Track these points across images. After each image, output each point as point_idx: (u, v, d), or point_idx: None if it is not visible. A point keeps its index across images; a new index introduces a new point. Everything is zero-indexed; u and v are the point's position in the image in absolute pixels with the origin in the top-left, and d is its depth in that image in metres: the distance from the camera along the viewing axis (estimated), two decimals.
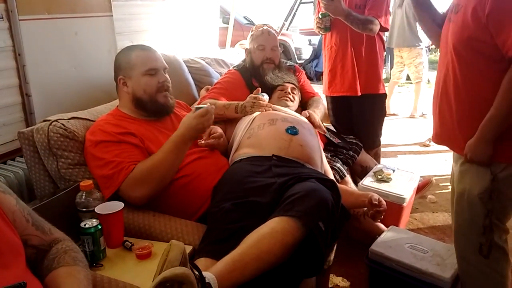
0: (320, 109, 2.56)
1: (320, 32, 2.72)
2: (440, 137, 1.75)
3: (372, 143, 2.95)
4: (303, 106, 2.63)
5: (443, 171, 3.63)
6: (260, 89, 2.28)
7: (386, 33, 3.10)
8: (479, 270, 1.68)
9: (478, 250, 1.64)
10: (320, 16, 2.65)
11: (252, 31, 2.64)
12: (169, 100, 1.88)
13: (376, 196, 1.93)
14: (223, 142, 2.05)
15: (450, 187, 3.40)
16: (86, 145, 1.73)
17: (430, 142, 4.36)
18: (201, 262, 1.36)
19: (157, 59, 1.87)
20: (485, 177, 1.57)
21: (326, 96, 2.96)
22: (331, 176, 2.18)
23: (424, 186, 3.01)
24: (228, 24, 4.66)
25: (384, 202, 1.92)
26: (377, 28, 2.57)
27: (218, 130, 2.03)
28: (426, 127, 4.74)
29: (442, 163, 3.72)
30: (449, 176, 3.54)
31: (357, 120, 2.90)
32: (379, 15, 2.59)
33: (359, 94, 2.74)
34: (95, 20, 2.42)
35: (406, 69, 5.42)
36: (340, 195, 1.63)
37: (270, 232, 1.36)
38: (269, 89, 2.46)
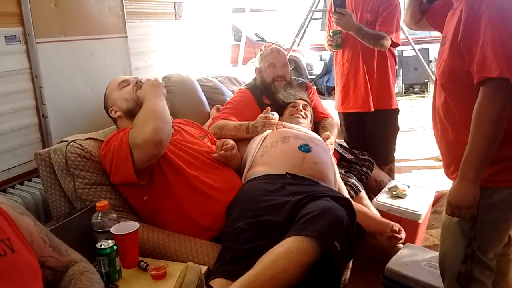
0: (334, 134, 2.57)
1: (332, 49, 2.74)
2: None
3: (386, 159, 2.93)
4: (316, 126, 2.63)
5: None
6: (269, 108, 2.29)
7: (401, 47, 3.10)
8: None
9: (456, 278, 1.55)
10: (331, 34, 2.66)
11: (261, 50, 2.66)
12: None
13: (397, 225, 1.98)
14: (236, 155, 2.05)
15: None
16: (101, 154, 1.79)
17: None
18: (216, 283, 1.36)
19: (125, 76, 2.04)
20: None
21: (339, 112, 2.96)
22: (345, 193, 2.17)
23: (437, 200, 2.97)
24: (239, 41, 4.71)
25: (403, 232, 1.94)
26: (388, 43, 2.57)
27: (230, 141, 2.04)
28: None
29: None
30: None
31: (371, 136, 2.89)
32: (391, 31, 2.60)
33: (372, 110, 2.74)
34: (110, 42, 2.46)
35: None
36: (355, 213, 1.62)
37: (285, 252, 1.36)
38: (281, 107, 2.47)
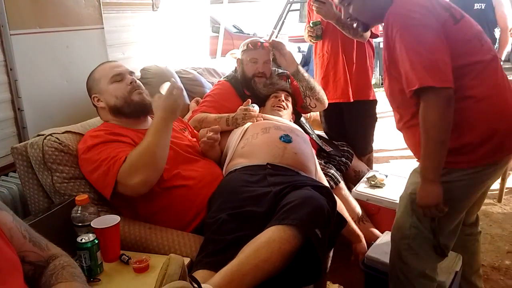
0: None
1: (312, 40, 2.74)
2: None
3: (364, 149, 2.97)
4: (296, 113, 2.65)
5: None
6: (250, 100, 2.29)
7: (378, 39, 3.13)
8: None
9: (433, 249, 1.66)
10: (311, 25, 2.66)
11: (244, 43, 2.64)
12: (145, 97, 1.88)
13: (364, 247, 2.19)
14: (216, 146, 2.06)
15: None
16: (79, 154, 1.73)
17: None
18: (199, 274, 1.36)
19: (119, 65, 1.90)
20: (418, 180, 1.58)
21: None
22: (325, 183, 2.20)
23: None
24: (218, 33, 4.68)
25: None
26: (368, 34, 2.59)
27: (215, 126, 2.05)
28: None
29: None
30: None
31: (349, 127, 2.92)
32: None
33: (352, 100, 2.76)
34: (86, 33, 2.42)
35: None
36: (335, 201, 1.65)
37: (268, 241, 1.36)
38: (262, 100, 2.47)
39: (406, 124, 1.65)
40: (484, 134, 1.50)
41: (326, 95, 2.80)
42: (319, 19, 2.61)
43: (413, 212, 1.64)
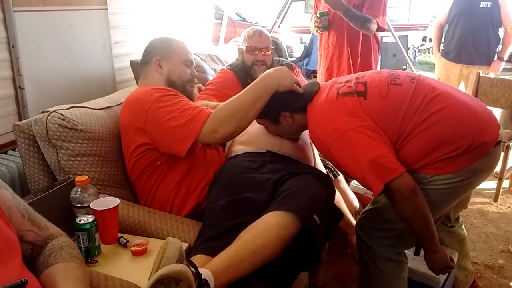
0: None
1: (318, 31, 2.72)
2: None
3: None
4: None
5: None
6: None
7: (381, 33, 3.11)
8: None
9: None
10: (318, 15, 2.64)
11: (245, 31, 2.62)
12: (194, 91, 1.96)
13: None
14: None
15: None
16: (147, 106, 1.64)
17: None
18: (197, 259, 1.36)
19: (192, 53, 1.95)
20: None
21: None
22: (324, 171, 2.20)
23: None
24: (221, 20, 4.65)
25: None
26: (374, 27, 2.58)
27: None
28: None
29: None
30: None
31: None
32: (377, 15, 2.60)
33: None
34: (89, 13, 2.40)
35: None
36: (334, 189, 1.65)
37: (265, 227, 1.36)
38: None
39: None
40: (459, 141, 1.48)
41: None
42: (326, 10, 2.59)
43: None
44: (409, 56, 9.12)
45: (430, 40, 9.23)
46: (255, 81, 1.68)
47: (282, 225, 1.36)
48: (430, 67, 8.99)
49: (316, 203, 1.46)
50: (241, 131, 1.67)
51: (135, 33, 2.83)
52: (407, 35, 8.67)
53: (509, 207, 3.17)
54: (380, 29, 2.65)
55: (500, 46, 3.81)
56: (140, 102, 1.68)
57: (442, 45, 4.07)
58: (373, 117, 1.51)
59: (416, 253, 1.92)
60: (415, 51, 10.24)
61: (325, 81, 2.82)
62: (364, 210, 1.78)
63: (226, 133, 1.61)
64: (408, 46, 9.62)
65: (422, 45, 10.61)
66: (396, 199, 1.46)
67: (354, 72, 2.70)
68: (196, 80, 1.94)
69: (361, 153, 1.46)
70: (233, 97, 1.65)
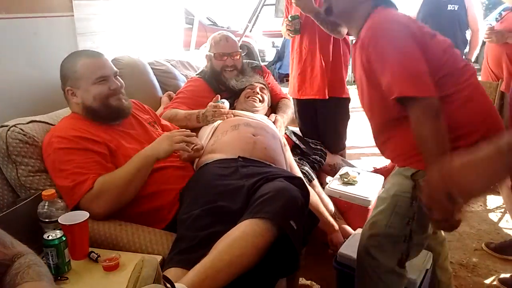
0: (288, 114, 2.58)
1: (290, 34, 2.71)
2: None
3: (337, 146, 2.98)
4: (273, 108, 2.63)
5: None
6: (219, 96, 2.26)
7: (351, 37, 3.14)
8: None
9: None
10: (290, 19, 2.64)
11: (211, 38, 2.60)
12: (123, 103, 1.81)
13: (340, 238, 2.20)
14: None
15: None
16: (47, 153, 1.65)
17: None
18: (171, 272, 1.33)
19: (105, 65, 1.79)
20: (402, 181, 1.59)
21: (293, 99, 2.96)
22: (298, 172, 2.20)
23: (393, 168, 3.04)
24: (191, 25, 4.61)
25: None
26: (345, 31, 2.58)
27: (199, 142, 2.01)
28: None
29: None
30: None
31: (323, 124, 2.92)
32: None
33: (327, 97, 2.76)
34: (55, 20, 2.33)
35: None
36: (308, 192, 1.64)
37: (241, 235, 1.34)
38: (237, 94, 2.45)
39: (387, 135, 1.65)
40: (466, 135, 1.49)
41: (303, 91, 2.79)
42: (298, 13, 2.59)
43: (395, 214, 1.63)
44: None
45: None
46: (133, 157, 1.68)
47: (257, 233, 1.34)
48: None
49: (291, 208, 1.44)
50: (123, 204, 1.64)
51: (103, 40, 2.77)
52: None
53: (481, 205, 3.24)
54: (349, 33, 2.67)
55: (467, 48, 3.90)
56: (44, 147, 1.68)
57: None
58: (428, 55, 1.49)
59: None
60: None
61: (298, 86, 2.83)
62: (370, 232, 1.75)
63: (105, 210, 1.59)
64: None
65: None
66: (416, 116, 1.41)
67: (326, 77, 2.72)
68: (121, 89, 1.81)
69: (408, 60, 1.43)
70: (118, 169, 1.65)
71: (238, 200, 1.57)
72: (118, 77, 1.82)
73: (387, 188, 1.71)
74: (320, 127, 2.93)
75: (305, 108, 2.91)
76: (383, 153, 1.76)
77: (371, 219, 1.75)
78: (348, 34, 2.68)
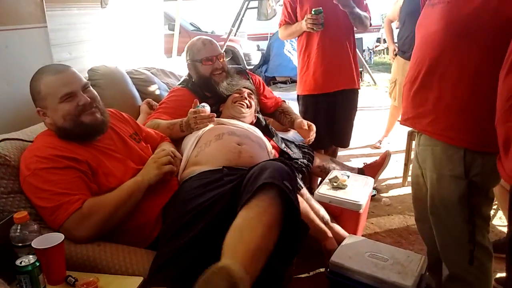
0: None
1: (315, 28, 2.67)
2: (415, 122, 1.72)
3: (349, 139, 3.05)
4: (274, 114, 2.68)
5: (395, 172, 3.67)
6: (197, 100, 2.19)
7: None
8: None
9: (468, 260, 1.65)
10: (314, 13, 2.60)
11: (189, 45, 2.52)
12: (97, 117, 1.68)
13: (334, 244, 2.12)
14: None
15: (403, 188, 3.46)
16: (24, 175, 1.54)
17: (380, 144, 4.42)
18: None
19: (70, 81, 1.64)
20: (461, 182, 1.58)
21: (308, 96, 2.92)
22: None
23: (383, 161, 3.01)
24: (173, 31, 4.54)
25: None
26: (369, 23, 2.76)
27: (177, 155, 1.94)
28: (375, 128, 4.81)
29: (394, 164, 3.73)
30: (401, 178, 3.61)
31: (342, 116, 2.96)
32: (369, 12, 2.80)
33: (359, 87, 2.93)
34: (27, 32, 2.24)
35: None
36: (292, 168, 1.59)
37: (259, 210, 1.31)
38: (224, 100, 2.39)
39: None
40: None
41: (327, 85, 2.85)
42: (320, 7, 2.59)
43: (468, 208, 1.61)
44: (364, 58, 9.27)
45: (384, 41, 9.42)
46: (125, 182, 1.63)
47: (266, 204, 1.33)
48: (386, 67, 9.13)
49: (280, 171, 1.43)
50: (107, 231, 1.56)
51: (80, 50, 2.69)
52: (361, 37, 8.81)
53: None
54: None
55: None
56: (22, 168, 1.57)
57: (396, 45, 4.15)
58: None
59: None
60: (370, 52, 10.43)
61: (322, 80, 2.81)
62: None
63: (89, 235, 1.51)
64: (363, 48, 9.78)
65: (376, 46, 10.82)
66: None
67: (356, 67, 2.87)
68: (93, 103, 1.68)
69: None
70: (107, 195, 1.58)
71: (219, 204, 1.52)
72: (90, 88, 1.71)
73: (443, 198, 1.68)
74: (338, 119, 2.96)
75: (321, 103, 2.90)
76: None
77: (442, 242, 1.75)
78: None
